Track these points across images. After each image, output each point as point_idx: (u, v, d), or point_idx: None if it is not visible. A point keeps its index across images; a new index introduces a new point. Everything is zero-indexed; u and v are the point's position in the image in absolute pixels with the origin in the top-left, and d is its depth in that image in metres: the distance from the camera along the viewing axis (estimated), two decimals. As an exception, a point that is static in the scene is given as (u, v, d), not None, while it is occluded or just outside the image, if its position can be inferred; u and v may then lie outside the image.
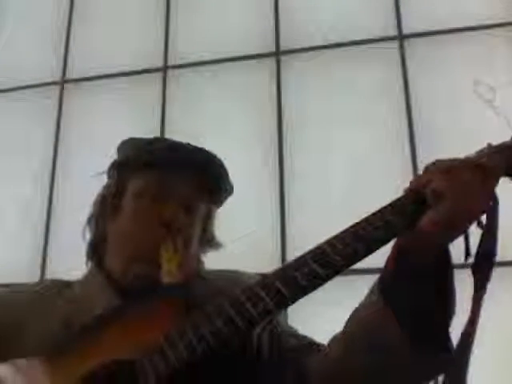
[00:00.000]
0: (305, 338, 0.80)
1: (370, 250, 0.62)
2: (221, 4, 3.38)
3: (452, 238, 0.62)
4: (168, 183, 0.81)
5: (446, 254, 0.64)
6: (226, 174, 0.86)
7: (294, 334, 0.81)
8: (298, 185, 2.88)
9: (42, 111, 3.40)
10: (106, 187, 0.88)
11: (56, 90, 3.43)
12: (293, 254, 2.77)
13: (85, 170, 3.14)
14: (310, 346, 0.77)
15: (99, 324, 0.67)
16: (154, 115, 3.18)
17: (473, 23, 2.93)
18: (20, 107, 3.45)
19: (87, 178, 3.61)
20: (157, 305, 0.68)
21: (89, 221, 0.88)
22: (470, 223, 0.62)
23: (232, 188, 0.89)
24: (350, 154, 2.86)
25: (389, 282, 0.64)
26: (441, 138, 2.79)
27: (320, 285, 0.60)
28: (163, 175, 0.81)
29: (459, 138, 2.75)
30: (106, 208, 0.85)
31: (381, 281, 0.65)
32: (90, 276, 0.85)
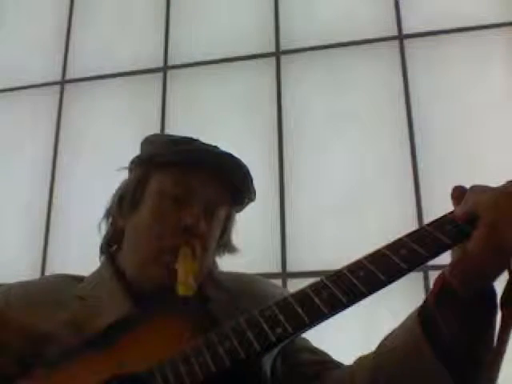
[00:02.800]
0: (321, 353, 0.79)
1: (391, 281, 0.58)
2: (221, 4, 3.38)
3: (494, 274, 0.57)
4: (191, 185, 0.79)
5: (491, 293, 0.60)
6: (251, 180, 0.84)
7: (310, 349, 0.79)
8: (298, 184, 2.88)
9: (42, 111, 3.40)
10: (127, 182, 0.84)
11: (56, 89, 3.43)
12: (293, 254, 2.77)
13: (85, 170, 3.14)
14: (327, 362, 0.76)
15: (110, 334, 0.66)
16: (154, 115, 3.18)
17: (473, 23, 2.93)
18: (20, 107, 3.45)
19: (87, 178, 3.61)
20: (170, 319, 0.66)
21: (106, 214, 0.85)
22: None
23: (255, 194, 0.86)
24: (350, 154, 2.86)
25: (429, 314, 0.62)
26: (441, 138, 2.79)
27: (341, 311, 0.58)
28: (187, 176, 0.79)
29: (459, 138, 2.75)
30: (125, 203, 0.82)
31: (421, 311, 0.63)
32: (101, 273, 0.82)
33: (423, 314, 0.62)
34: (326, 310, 0.57)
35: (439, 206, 2.62)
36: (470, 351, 0.60)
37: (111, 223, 0.84)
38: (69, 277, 0.84)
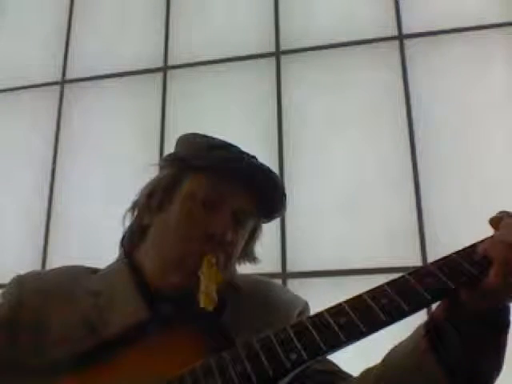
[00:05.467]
0: (331, 363, 0.78)
1: (415, 311, 0.56)
2: (221, 4, 3.38)
3: (507, 302, 0.59)
4: (224, 192, 0.77)
5: (504, 314, 0.60)
6: (283, 195, 0.83)
7: (320, 359, 0.77)
8: (298, 184, 2.88)
9: (42, 111, 3.40)
10: (159, 178, 0.81)
11: (56, 89, 3.43)
12: (293, 254, 2.76)
13: (85, 170, 3.14)
14: (335, 373, 0.75)
15: (121, 344, 0.65)
16: (154, 115, 3.18)
17: (473, 23, 2.93)
18: (20, 107, 3.45)
19: (87, 178, 3.60)
20: (184, 333, 0.65)
21: (132, 207, 0.82)
22: None
23: (285, 209, 0.85)
24: (350, 154, 2.86)
25: (437, 329, 0.61)
26: (441, 138, 2.79)
27: (358, 340, 0.56)
28: (221, 183, 0.77)
29: (459, 137, 2.75)
30: (155, 200, 0.79)
31: (427, 325, 0.63)
32: (117, 267, 0.80)
33: (430, 329, 0.62)
34: (343, 338, 0.55)
35: (439, 206, 2.63)
36: (475, 367, 0.59)
37: (136, 217, 0.82)
38: (82, 268, 0.82)
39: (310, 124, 2.98)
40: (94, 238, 2.88)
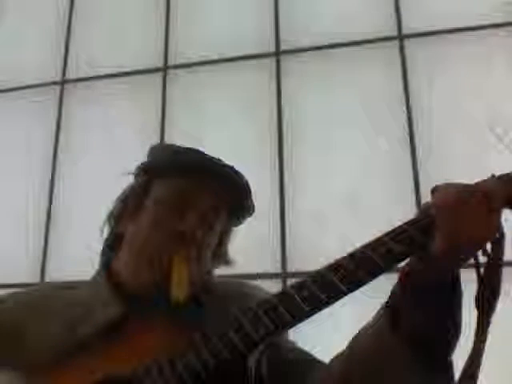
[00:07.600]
0: (304, 353, 0.81)
1: (371, 278, 0.61)
2: (221, 4, 3.38)
3: (458, 264, 0.61)
4: (189, 195, 0.81)
5: (456, 280, 0.63)
6: (250, 195, 0.87)
7: (293, 348, 0.81)
8: (298, 184, 2.88)
9: (42, 111, 3.40)
10: (131, 188, 0.87)
11: (56, 90, 3.43)
12: (293, 254, 2.77)
13: (85, 170, 3.15)
14: (309, 361, 0.78)
15: (101, 337, 0.68)
16: (154, 115, 3.18)
17: (473, 23, 2.93)
18: (20, 107, 3.45)
19: (87, 178, 3.59)
20: (160, 323, 0.68)
21: (108, 219, 0.87)
22: (475, 249, 0.61)
23: (253, 209, 0.90)
24: (350, 154, 2.86)
25: (397, 306, 0.64)
26: (441, 138, 2.79)
27: (321, 309, 0.60)
28: (188, 186, 0.81)
29: (459, 138, 2.75)
30: (127, 208, 0.85)
31: (388, 304, 0.65)
32: (96, 277, 0.84)
33: (390, 306, 0.64)
34: (306, 308, 0.59)
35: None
36: (438, 333, 0.62)
37: (112, 228, 0.86)
38: (59, 284, 0.86)
39: (309, 124, 2.98)
40: (94, 238, 2.88)
